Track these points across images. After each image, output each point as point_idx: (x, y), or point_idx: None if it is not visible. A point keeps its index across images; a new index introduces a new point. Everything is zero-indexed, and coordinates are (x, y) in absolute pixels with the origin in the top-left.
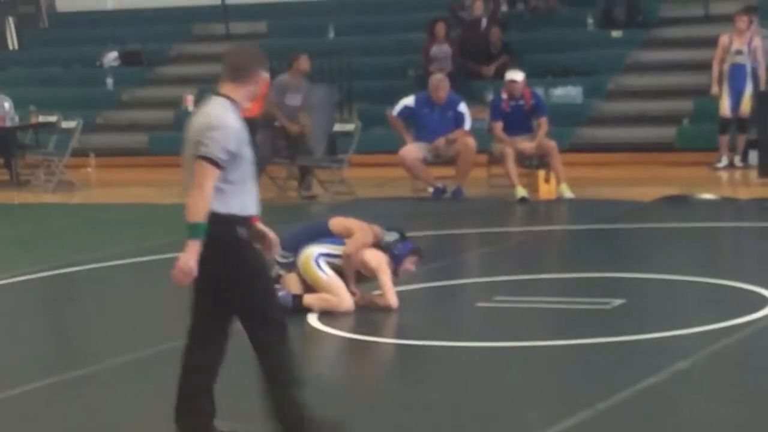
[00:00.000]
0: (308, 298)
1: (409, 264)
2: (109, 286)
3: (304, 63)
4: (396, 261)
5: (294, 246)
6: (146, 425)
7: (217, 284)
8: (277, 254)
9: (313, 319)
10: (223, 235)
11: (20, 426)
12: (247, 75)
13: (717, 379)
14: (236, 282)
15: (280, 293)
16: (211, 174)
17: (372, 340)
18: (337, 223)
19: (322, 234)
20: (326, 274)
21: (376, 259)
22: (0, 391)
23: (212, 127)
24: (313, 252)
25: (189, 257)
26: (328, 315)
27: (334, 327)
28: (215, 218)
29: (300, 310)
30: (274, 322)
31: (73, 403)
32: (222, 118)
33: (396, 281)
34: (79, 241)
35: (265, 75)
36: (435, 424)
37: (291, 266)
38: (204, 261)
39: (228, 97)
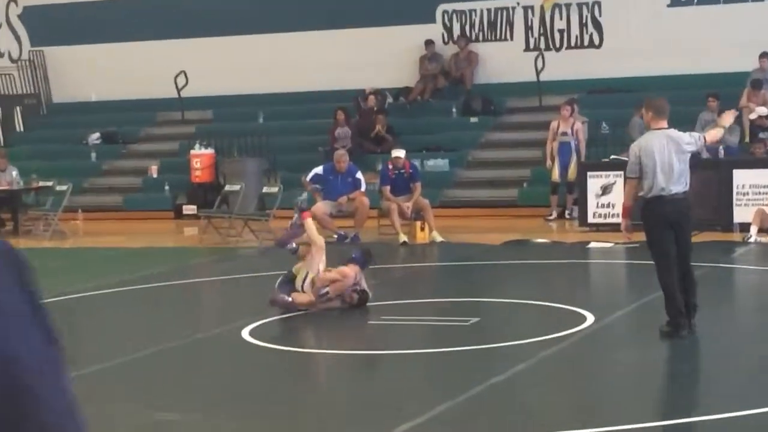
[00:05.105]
0: (302, 248)
1: (351, 268)
2: (91, 310)
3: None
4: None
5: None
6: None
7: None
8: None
9: (245, 333)
10: None
11: None
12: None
13: (552, 376)
14: None
15: (290, 245)
16: None
17: (285, 350)
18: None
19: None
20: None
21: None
22: None
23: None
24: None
25: None
26: (257, 329)
27: (259, 339)
28: None
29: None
30: None
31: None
32: None
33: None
34: (68, 276)
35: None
36: (319, 417)
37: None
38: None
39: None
